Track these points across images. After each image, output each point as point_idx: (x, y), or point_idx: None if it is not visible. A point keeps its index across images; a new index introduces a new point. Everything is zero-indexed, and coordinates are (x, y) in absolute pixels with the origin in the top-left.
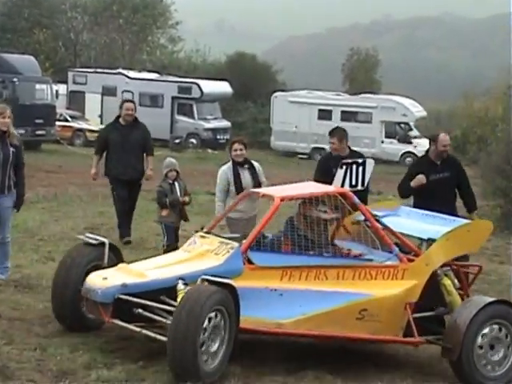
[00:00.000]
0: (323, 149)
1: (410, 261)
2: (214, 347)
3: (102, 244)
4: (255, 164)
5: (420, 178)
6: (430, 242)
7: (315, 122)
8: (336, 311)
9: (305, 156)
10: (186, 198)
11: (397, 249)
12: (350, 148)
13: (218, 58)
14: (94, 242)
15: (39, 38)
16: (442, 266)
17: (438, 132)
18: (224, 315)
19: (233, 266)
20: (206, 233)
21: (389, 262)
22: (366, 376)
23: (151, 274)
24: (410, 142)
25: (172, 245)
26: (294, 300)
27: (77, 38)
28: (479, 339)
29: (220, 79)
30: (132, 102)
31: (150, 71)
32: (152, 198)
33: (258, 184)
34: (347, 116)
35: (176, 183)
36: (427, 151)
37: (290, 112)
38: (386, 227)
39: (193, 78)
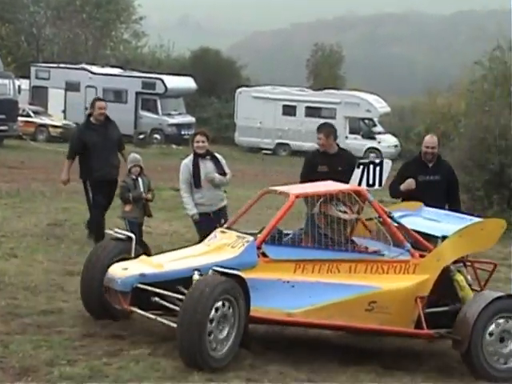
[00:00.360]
0: (287, 144)
1: (422, 256)
2: (223, 335)
3: (130, 238)
4: (218, 155)
5: (410, 183)
6: (445, 239)
7: (279, 118)
8: (345, 302)
9: (269, 152)
10: (149, 195)
11: (409, 245)
12: (338, 145)
13: (182, 54)
14: (121, 236)
15: (1, 33)
16: (455, 263)
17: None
18: (233, 304)
19: (247, 259)
20: (227, 228)
21: (401, 257)
22: (330, 370)
23: (169, 265)
24: (374, 138)
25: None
26: (304, 291)
27: (39, 33)
28: (488, 332)
29: (184, 75)
30: (103, 100)
31: (113, 66)
32: (116, 194)
33: (223, 173)
34: (311, 112)
35: (139, 179)
36: (420, 152)
37: (254, 108)
38: (399, 224)
39: (157, 73)
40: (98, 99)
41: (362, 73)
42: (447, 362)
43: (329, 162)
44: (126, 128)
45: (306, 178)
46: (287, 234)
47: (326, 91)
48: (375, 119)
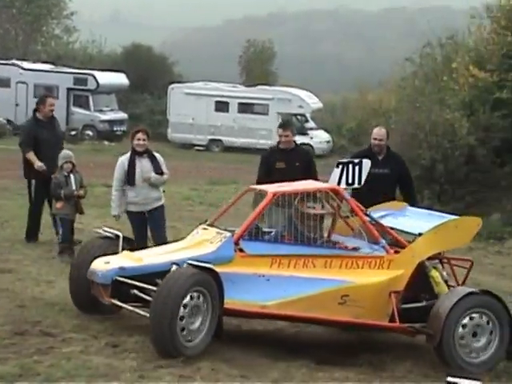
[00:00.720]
0: (220, 140)
1: (397, 252)
2: (196, 325)
3: (117, 236)
4: (156, 154)
5: None
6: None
7: (212, 114)
8: (318, 296)
9: (202, 148)
10: (81, 192)
11: (384, 241)
12: (295, 142)
13: (113, 49)
14: (108, 234)
15: None
16: (432, 259)
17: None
18: (205, 296)
19: (224, 254)
20: (209, 225)
21: (376, 253)
22: (262, 366)
23: (148, 259)
24: (307, 134)
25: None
26: (279, 285)
27: None
28: (460, 327)
29: (116, 70)
30: (53, 96)
31: (44, 62)
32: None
33: (160, 172)
34: (244, 108)
35: (71, 175)
36: (370, 145)
37: (186, 104)
38: (376, 222)
39: (88, 69)
40: (48, 96)
41: (294, 69)
42: (381, 357)
43: (286, 157)
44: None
45: (265, 175)
46: (270, 232)
47: (259, 87)
48: (307, 115)
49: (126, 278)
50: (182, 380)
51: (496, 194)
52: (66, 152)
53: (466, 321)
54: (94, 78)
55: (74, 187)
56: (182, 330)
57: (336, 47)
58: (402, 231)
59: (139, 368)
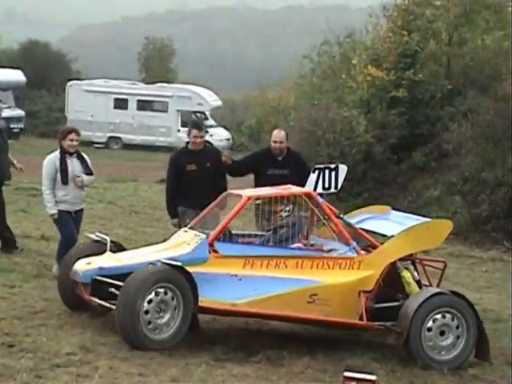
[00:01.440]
0: (119, 138)
1: (368, 253)
2: (163, 320)
3: (105, 240)
4: (84, 155)
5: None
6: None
7: (111, 111)
8: (287, 294)
9: (101, 145)
10: None
11: (354, 243)
12: (204, 143)
13: (10, 46)
14: (96, 238)
15: None
16: (403, 260)
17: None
18: (174, 292)
19: (199, 254)
20: (190, 228)
21: (347, 254)
22: (161, 364)
23: (127, 260)
24: (206, 131)
25: None
26: (250, 284)
27: None
28: (427, 325)
29: (13, 67)
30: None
31: None
32: None
33: (90, 173)
34: (143, 105)
35: None
36: (270, 146)
37: (85, 101)
38: (349, 225)
39: None
40: None
41: (194, 66)
42: (280, 353)
43: (197, 159)
44: None
45: (175, 177)
46: (244, 234)
47: (158, 85)
48: (207, 112)
49: (105, 277)
50: (79, 379)
51: (393, 191)
52: None
53: (433, 320)
54: None
55: None
56: (149, 323)
57: (236, 45)
58: (377, 233)
59: (35, 367)
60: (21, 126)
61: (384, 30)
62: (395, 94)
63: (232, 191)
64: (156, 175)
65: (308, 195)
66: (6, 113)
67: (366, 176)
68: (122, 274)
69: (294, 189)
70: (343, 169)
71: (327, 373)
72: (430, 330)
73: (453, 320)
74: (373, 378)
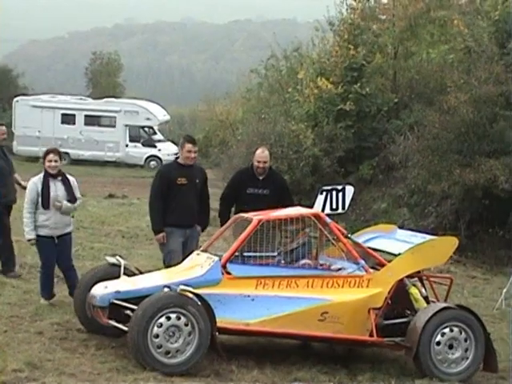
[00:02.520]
0: (67, 153)
1: (377, 271)
2: (176, 345)
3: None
4: (70, 178)
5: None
6: None
7: (59, 127)
8: (298, 313)
9: None
10: None
11: (363, 261)
12: None
13: None
14: (111, 261)
15: None
16: (411, 277)
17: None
18: (187, 316)
19: (212, 276)
20: (202, 251)
21: (356, 273)
22: (109, 378)
23: (142, 283)
24: (155, 146)
25: None
26: (263, 304)
27: None
28: (436, 339)
29: None
30: (4, 124)
31: None
32: None
33: (73, 198)
34: (91, 120)
35: None
36: (252, 164)
37: (32, 116)
38: (357, 244)
39: None
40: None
41: (142, 81)
42: (228, 367)
43: (188, 173)
44: None
45: (165, 190)
46: (256, 256)
47: (106, 100)
48: (155, 127)
49: (122, 300)
50: None
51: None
52: None
53: (441, 334)
54: None
55: None
56: (159, 347)
57: (183, 59)
58: (385, 252)
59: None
60: None
61: (330, 44)
62: (342, 108)
63: (242, 214)
64: (104, 190)
65: (317, 216)
66: None
67: (313, 189)
68: (138, 297)
69: (302, 210)
70: (350, 190)
71: None
72: (438, 343)
73: (461, 333)
74: None
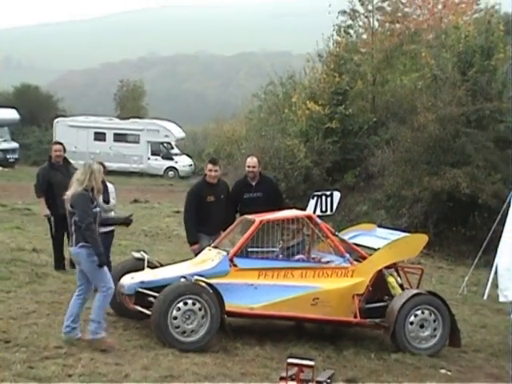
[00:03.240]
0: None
1: (359, 263)
2: (191, 326)
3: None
4: (109, 185)
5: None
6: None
7: (91, 143)
8: (294, 299)
9: None
10: None
11: (348, 255)
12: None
13: (6, 89)
14: (138, 256)
15: None
16: (388, 267)
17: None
18: (200, 302)
19: (221, 268)
20: (213, 247)
21: (342, 265)
22: (134, 354)
23: (163, 274)
24: (172, 159)
25: None
26: (264, 291)
27: None
28: (409, 320)
29: (8, 107)
30: (58, 143)
31: None
32: None
33: (107, 200)
34: (119, 137)
35: None
36: (245, 175)
37: (69, 134)
38: (343, 240)
39: None
40: (53, 143)
41: (162, 104)
42: (234, 344)
43: (214, 191)
44: None
45: (195, 208)
46: (257, 251)
47: (131, 120)
48: (173, 143)
49: (146, 289)
50: (65, 369)
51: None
52: None
53: (414, 315)
54: None
55: None
56: (177, 327)
57: (197, 86)
58: (366, 247)
59: (28, 360)
60: (16, 156)
61: (319, 73)
62: (329, 126)
63: (247, 216)
64: (130, 196)
65: (309, 217)
66: (3, 145)
67: (305, 195)
68: (159, 286)
69: (297, 213)
70: (337, 195)
71: (274, 360)
72: (411, 323)
73: (430, 315)
74: (312, 363)
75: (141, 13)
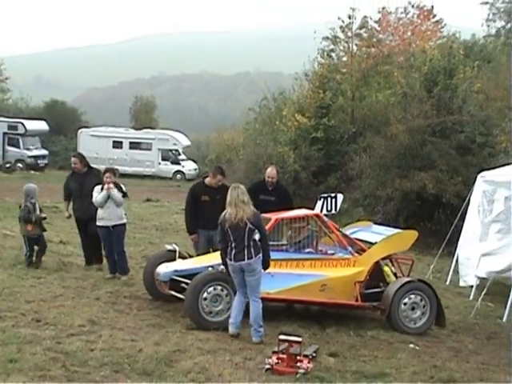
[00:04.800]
0: (116, 169)
1: (360, 255)
2: (218, 308)
3: (175, 250)
4: (122, 186)
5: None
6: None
7: (110, 150)
8: (305, 285)
9: None
10: (43, 214)
11: (350, 248)
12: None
13: (37, 104)
14: (170, 248)
15: None
16: (384, 259)
17: (267, 166)
18: (226, 288)
19: None
20: None
21: (345, 256)
22: (147, 331)
23: (193, 264)
24: (179, 163)
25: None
26: (279, 279)
27: None
28: (403, 303)
29: (39, 119)
30: (75, 155)
31: None
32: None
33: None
34: (134, 145)
35: (36, 203)
36: (264, 178)
37: (91, 143)
38: (345, 235)
39: (19, 118)
40: (72, 156)
41: (170, 116)
42: None
43: (210, 192)
44: None
45: (193, 205)
46: (273, 244)
47: (144, 130)
48: (180, 150)
49: (179, 276)
50: (88, 344)
51: (313, 206)
52: (33, 186)
53: (406, 299)
54: (23, 125)
55: (38, 212)
56: (206, 309)
57: (200, 100)
58: (365, 241)
59: (56, 336)
60: (45, 161)
61: (306, 90)
62: (315, 135)
63: (264, 215)
64: (143, 196)
65: (317, 216)
66: (35, 152)
67: (294, 194)
68: (191, 274)
69: (307, 212)
70: (340, 197)
71: (267, 336)
72: (404, 305)
73: (420, 299)
74: (299, 339)
75: (152, 38)
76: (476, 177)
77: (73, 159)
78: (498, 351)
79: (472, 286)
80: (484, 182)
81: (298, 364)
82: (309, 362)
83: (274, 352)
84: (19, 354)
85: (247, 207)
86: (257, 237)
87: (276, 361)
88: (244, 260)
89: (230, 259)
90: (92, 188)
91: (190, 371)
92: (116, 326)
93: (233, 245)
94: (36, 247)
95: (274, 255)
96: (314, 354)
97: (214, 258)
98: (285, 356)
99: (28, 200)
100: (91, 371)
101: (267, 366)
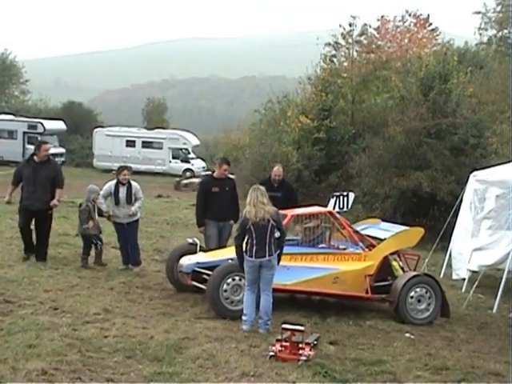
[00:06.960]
0: (130, 167)
1: (370, 250)
2: (238, 297)
3: (196, 243)
4: (134, 184)
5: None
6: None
7: (124, 149)
8: (319, 278)
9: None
10: (106, 213)
11: (361, 243)
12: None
13: (55, 105)
14: (191, 241)
15: None
16: (392, 254)
17: (273, 164)
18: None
19: None
20: None
21: (356, 251)
22: (157, 319)
23: (214, 257)
24: (189, 162)
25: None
26: (294, 271)
27: None
28: (410, 296)
29: (57, 119)
30: (47, 142)
31: (7, 113)
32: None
33: (130, 199)
34: (146, 144)
35: (95, 204)
36: (270, 176)
37: (106, 142)
38: (357, 232)
39: (38, 118)
40: (43, 142)
41: (180, 118)
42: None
43: (220, 184)
44: (17, 157)
45: (204, 196)
46: (289, 239)
47: (156, 130)
48: (189, 149)
49: (201, 268)
50: (102, 331)
51: (315, 203)
52: (94, 187)
53: (413, 292)
54: (42, 124)
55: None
56: (227, 299)
57: (209, 103)
58: (375, 237)
59: (72, 323)
60: (63, 159)
61: (309, 93)
62: (317, 136)
63: (280, 211)
64: (154, 192)
65: (330, 213)
66: (53, 150)
67: (297, 192)
68: (212, 266)
69: (320, 209)
70: (351, 195)
71: (271, 325)
72: (411, 298)
73: (426, 292)
74: (302, 328)
75: (164, 44)
76: (468, 176)
77: (45, 146)
78: (489, 340)
79: (464, 279)
80: (476, 181)
81: (300, 351)
82: (310, 350)
83: (277, 340)
84: (38, 339)
85: (268, 207)
86: (277, 234)
87: (279, 348)
88: (265, 257)
89: (251, 256)
90: (47, 179)
91: (198, 357)
92: (128, 314)
93: (254, 242)
94: (93, 246)
95: (289, 249)
96: (316, 342)
97: (232, 251)
98: (288, 344)
99: (89, 200)
100: (105, 357)
101: (271, 353)
